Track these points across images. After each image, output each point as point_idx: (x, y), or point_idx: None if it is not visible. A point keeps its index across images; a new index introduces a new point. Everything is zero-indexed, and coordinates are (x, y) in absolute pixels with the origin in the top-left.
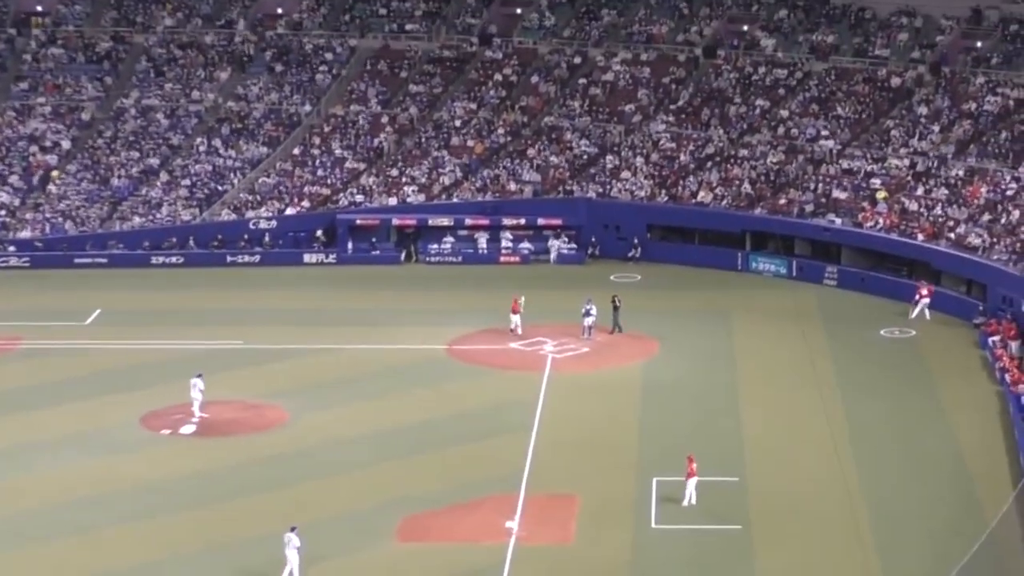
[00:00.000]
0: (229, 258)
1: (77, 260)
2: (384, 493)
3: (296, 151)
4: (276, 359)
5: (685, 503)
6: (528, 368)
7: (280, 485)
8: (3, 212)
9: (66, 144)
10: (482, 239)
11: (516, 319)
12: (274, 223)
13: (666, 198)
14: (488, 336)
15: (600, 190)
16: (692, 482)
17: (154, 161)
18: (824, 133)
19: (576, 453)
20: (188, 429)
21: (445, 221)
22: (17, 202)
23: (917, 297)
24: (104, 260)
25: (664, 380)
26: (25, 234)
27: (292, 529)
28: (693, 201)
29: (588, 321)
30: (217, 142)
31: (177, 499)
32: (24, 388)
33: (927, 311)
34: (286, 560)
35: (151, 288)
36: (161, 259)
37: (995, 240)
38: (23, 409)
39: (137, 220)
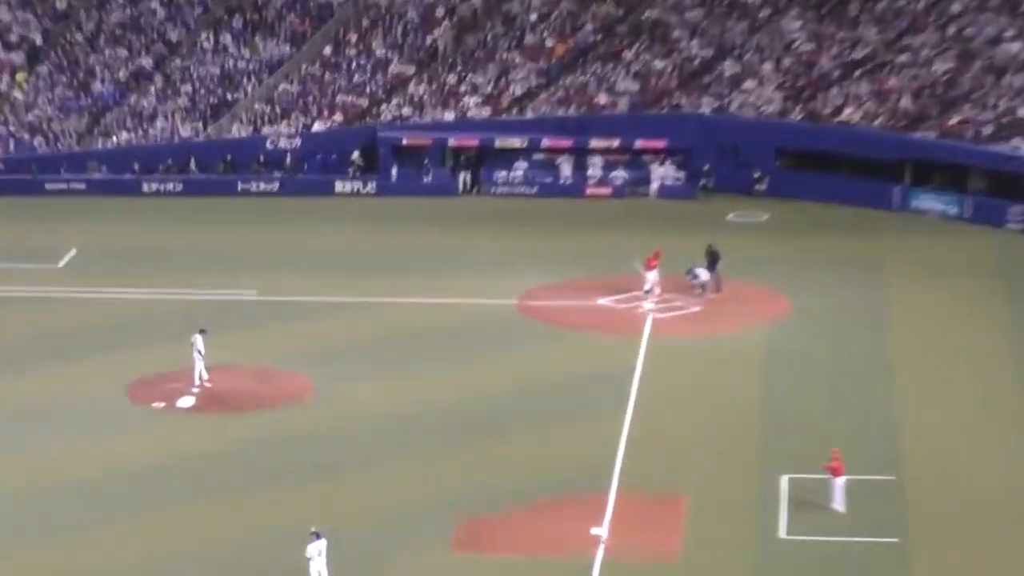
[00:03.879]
0: (241, 185)
1: (48, 186)
2: (435, 490)
3: (326, 51)
4: (299, 315)
5: (834, 506)
6: (622, 330)
7: (301, 476)
8: None
9: (36, 39)
10: (564, 165)
11: (652, 277)
12: (298, 142)
13: (801, 115)
14: (570, 289)
15: (716, 104)
16: (840, 482)
17: (147, 62)
18: (1008, 34)
19: (682, 441)
20: (186, 402)
21: (516, 142)
22: None
23: None
24: (82, 186)
25: (796, 349)
26: None
27: (315, 536)
28: (836, 120)
29: (701, 278)
30: (227, 38)
31: (172, 491)
32: None
33: None
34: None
35: (141, 222)
36: (154, 186)
37: None
38: None
39: (124, 136)
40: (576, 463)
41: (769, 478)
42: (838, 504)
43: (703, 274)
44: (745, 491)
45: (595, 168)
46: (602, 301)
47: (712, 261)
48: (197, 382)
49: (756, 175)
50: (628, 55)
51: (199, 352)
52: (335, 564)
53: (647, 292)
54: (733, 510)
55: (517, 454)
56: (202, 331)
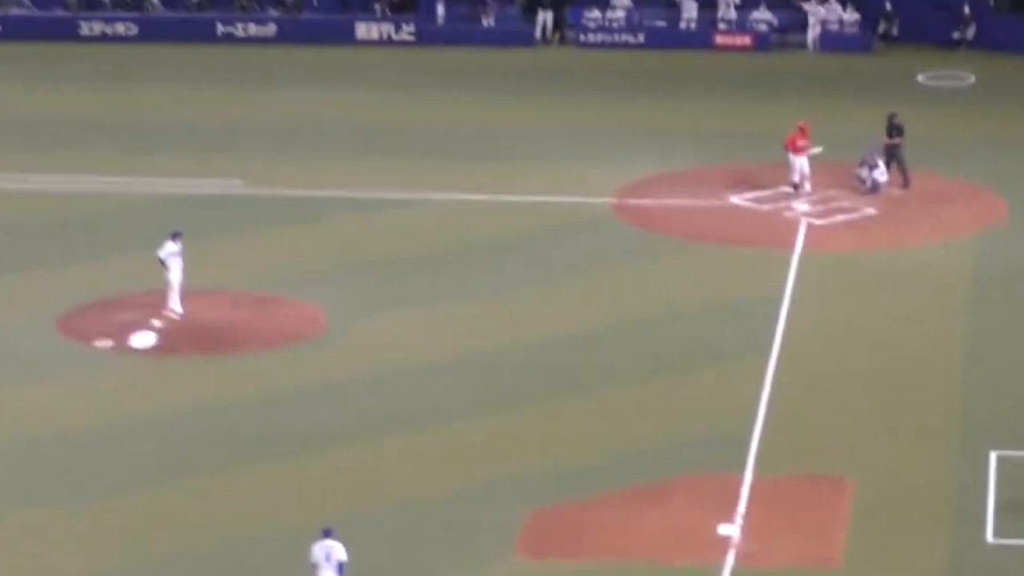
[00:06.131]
0: (221, 28)
1: None
2: (497, 466)
3: None
4: (305, 217)
5: None
6: (762, 242)
7: (309, 447)
8: None
9: None
10: (683, 4)
11: (803, 163)
12: None
13: None
14: (690, 182)
15: None
16: None
17: None
18: None
19: (848, 402)
20: (144, 339)
21: None
22: None
23: None
24: None
25: (1014, 269)
26: None
27: (326, 534)
28: None
29: (876, 175)
30: None
31: (123, 467)
32: None
33: None
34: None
35: (78, 79)
36: (97, 27)
37: None
38: None
39: None
40: (696, 429)
41: (972, 456)
42: None
43: (883, 169)
44: (936, 474)
45: (727, 7)
46: (735, 200)
47: (891, 138)
48: (169, 310)
49: (960, 18)
50: None
51: (171, 267)
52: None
53: (796, 187)
54: (918, 500)
55: (610, 417)
56: (174, 235)
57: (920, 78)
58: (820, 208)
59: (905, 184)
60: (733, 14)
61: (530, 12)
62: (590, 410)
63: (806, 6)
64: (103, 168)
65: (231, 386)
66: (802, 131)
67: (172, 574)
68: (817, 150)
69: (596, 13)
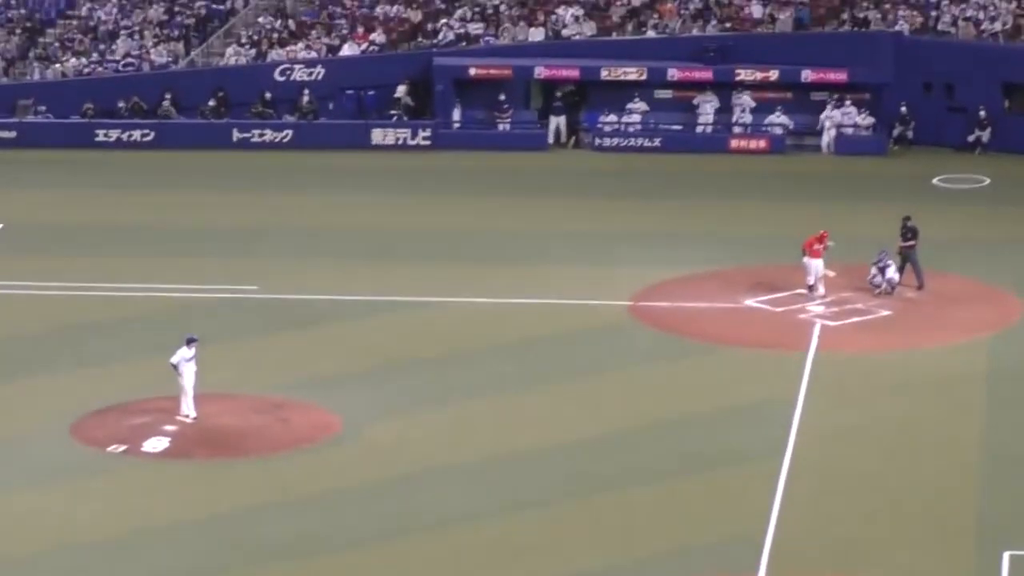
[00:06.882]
0: (238, 134)
1: None
2: (511, 569)
3: None
4: (319, 320)
5: None
6: (777, 344)
7: (320, 551)
8: None
9: None
10: (701, 107)
11: (819, 267)
12: (319, 72)
13: None
14: (706, 285)
15: (918, 19)
16: None
17: None
18: None
19: (861, 503)
20: (157, 444)
21: (631, 73)
22: None
23: None
24: (10, 134)
25: None
26: None
27: (189, 342)
28: None
29: (888, 274)
30: None
31: (136, 573)
32: None
33: None
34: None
35: (94, 186)
36: (114, 134)
37: None
38: None
39: (72, 63)
40: (711, 531)
41: (986, 557)
42: None
43: (894, 268)
44: (949, 574)
45: (743, 111)
46: (750, 302)
47: (906, 240)
48: (182, 415)
49: (976, 122)
50: None
51: (192, 371)
52: None
53: (811, 289)
54: None
55: (625, 519)
56: (189, 340)
57: (935, 181)
58: (835, 310)
59: (919, 286)
60: (749, 118)
61: (545, 117)
62: (605, 512)
63: (823, 110)
64: (118, 273)
65: (244, 490)
66: (821, 238)
67: None
68: (830, 244)
69: (612, 117)
